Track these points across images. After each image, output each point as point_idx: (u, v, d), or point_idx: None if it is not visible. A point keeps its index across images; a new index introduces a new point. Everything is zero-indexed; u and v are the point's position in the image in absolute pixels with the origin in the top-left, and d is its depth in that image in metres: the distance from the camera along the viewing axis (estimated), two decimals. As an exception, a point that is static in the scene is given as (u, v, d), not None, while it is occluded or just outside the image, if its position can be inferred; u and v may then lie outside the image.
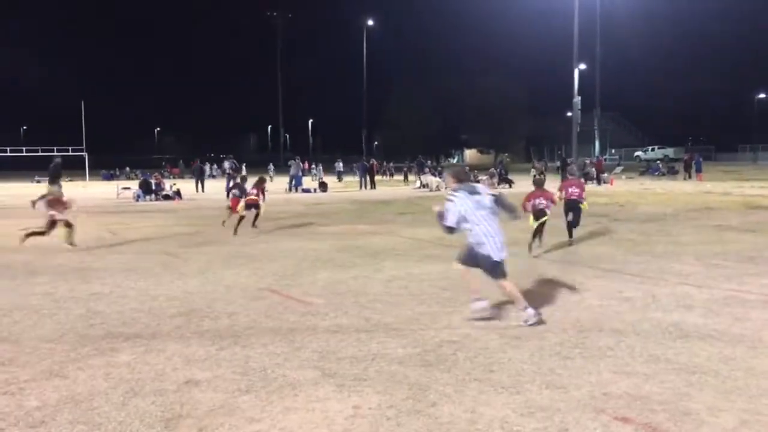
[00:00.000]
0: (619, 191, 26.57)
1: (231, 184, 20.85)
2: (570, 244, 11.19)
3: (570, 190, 11.31)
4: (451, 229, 6.02)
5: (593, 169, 34.22)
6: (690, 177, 36.39)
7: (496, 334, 5.73)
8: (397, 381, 4.59)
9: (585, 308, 6.64)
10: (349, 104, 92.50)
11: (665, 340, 5.43)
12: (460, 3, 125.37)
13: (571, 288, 7.64)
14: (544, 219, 10.19)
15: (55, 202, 11.76)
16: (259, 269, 9.35)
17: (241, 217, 13.65)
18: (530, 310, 6.01)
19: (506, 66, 78.99)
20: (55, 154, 51.78)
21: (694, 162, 36.97)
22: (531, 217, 10.19)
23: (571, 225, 11.28)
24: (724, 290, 7.37)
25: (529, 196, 10.36)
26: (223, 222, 14.59)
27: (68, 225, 11.67)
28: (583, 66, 52.00)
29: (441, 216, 6.04)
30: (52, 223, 11.47)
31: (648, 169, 44.14)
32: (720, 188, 26.99)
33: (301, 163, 32.03)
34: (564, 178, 32.61)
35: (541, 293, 7.36)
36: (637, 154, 73.76)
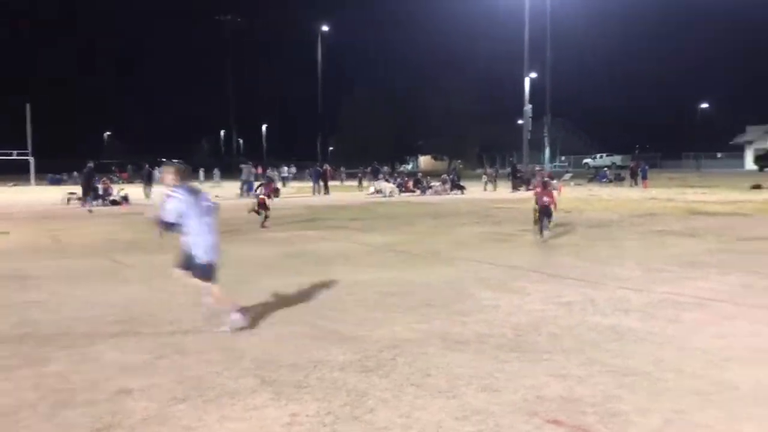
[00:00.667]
0: (566, 198, 27.04)
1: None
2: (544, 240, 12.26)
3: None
4: (170, 225, 6.05)
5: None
6: (636, 184, 37.34)
7: (437, 338, 5.77)
8: (336, 388, 4.58)
9: (526, 312, 6.74)
10: (304, 110, 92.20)
11: (601, 343, 5.55)
12: (413, 11, 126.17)
13: (514, 292, 7.75)
14: (550, 215, 12.76)
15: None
16: (205, 276, 9.22)
17: (257, 212, 16.06)
18: (236, 315, 6.15)
19: (460, 73, 79.73)
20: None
21: (639, 169, 37.97)
22: (535, 208, 13.05)
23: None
24: (661, 293, 7.57)
25: (537, 193, 13.10)
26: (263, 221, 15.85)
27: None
28: (533, 74, 52.98)
29: (159, 216, 6.06)
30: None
31: (596, 176, 45.13)
32: (664, 195, 27.76)
33: (253, 168, 31.75)
34: (514, 183, 33.26)
35: (484, 297, 7.45)
36: (586, 161, 75.45)
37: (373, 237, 13.53)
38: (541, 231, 12.56)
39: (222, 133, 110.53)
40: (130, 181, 50.72)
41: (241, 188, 30.07)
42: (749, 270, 9.06)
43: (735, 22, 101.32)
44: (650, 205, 21.79)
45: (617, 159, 71.61)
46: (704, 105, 79.79)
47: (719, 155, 74.53)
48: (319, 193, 31.82)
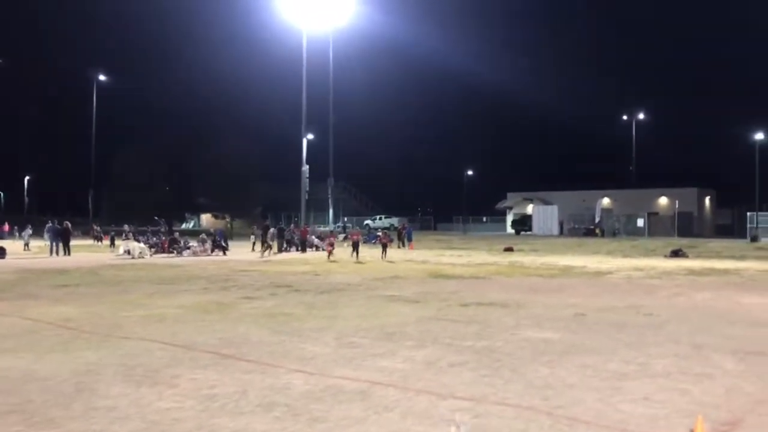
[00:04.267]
0: (325, 259, 26.36)
1: None
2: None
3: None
4: None
5: (296, 236, 35.19)
6: (403, 245, 38.10)
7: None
8: None
9: (141, 416, 5.22)
10: (76, 162, 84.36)
11: (190, 466, 4.18)
12: (192, 61, 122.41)
13: (157, 384, 6.22)
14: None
15: None
16: None
17: None
18: None
19: (241, 131, 78.41)
20: None
21: (405, 231, 38.97)
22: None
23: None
24: (333, 378, 6.49)
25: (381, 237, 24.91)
26: None
27: None
28: (311, 136, 53.31)
29: None
30: None
31: (367, 237, 45.62)
32: (423, 256, 28.15)
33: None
34: (280, 244, 32.39)
35: (108, 395, 5.81)
36: (366, 222, 77.19)
37: (58, 309, 11.27)
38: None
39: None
40: None
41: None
42: (446, 342, 8.42)
43: (500, 102, 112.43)
44: (402, 267, 21.66)
45: (395, 221, 74.06)
46: (470, 172, 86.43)
47: (485, 219, 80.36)
48: (58, 254, 28.04)
